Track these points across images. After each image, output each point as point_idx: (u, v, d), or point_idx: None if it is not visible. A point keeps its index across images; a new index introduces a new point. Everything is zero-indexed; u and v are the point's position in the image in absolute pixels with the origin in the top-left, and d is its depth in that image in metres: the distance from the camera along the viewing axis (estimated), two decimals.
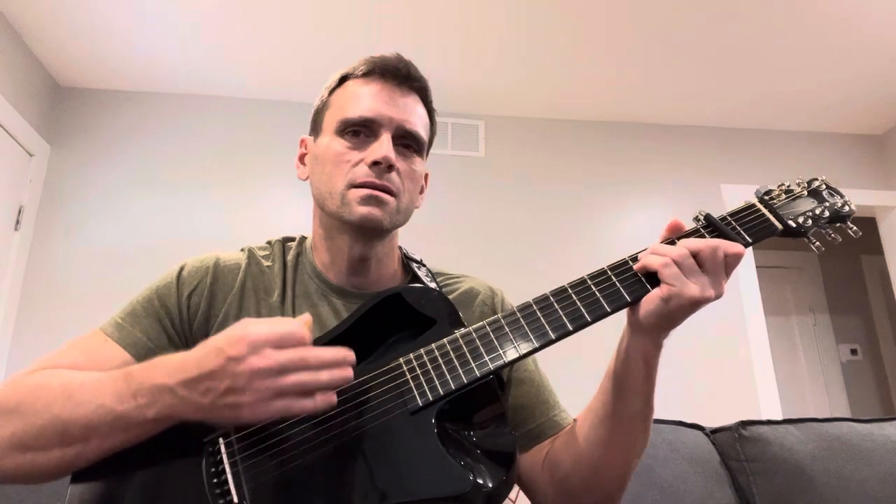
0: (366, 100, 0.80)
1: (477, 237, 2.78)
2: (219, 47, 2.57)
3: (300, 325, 0.60)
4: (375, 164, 0.77)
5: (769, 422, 1.24)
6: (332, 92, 0.86)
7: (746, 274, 2.86)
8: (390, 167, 0.77)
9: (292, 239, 0.91)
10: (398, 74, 0.82)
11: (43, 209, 2.61)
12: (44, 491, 0.94)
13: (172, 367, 0.60)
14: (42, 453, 0.62)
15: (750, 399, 2.67)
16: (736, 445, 1.21)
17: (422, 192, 0.90)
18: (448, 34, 2.49)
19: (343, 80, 0.85)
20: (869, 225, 3.18)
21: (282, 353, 0.57)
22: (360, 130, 0.80)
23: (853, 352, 3.81)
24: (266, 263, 0.85)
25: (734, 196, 2.99)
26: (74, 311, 2.46)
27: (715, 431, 1.27)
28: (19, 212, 2.53)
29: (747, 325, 2.78)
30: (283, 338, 0.58)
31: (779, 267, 3.84)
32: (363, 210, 0.76)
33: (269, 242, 0.90)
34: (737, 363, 2.72)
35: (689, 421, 1.27)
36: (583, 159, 3.04)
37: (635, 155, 3.06)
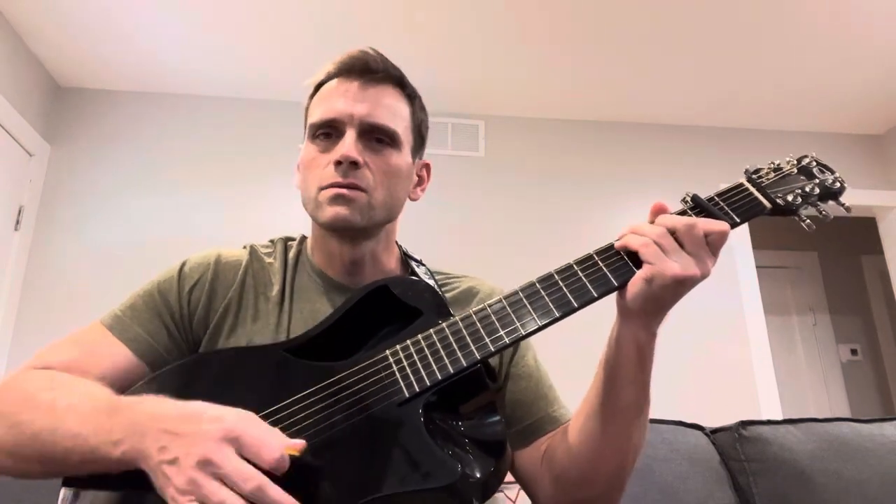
0: (330, 101, 0.81)
1: (476, 237, 2.78)
2: (218, 47, 2.57)
3: (283, 450, 0.55)
4: (339, 163, 0.77)
5: (769, 422, 1.23)
6: (310, 99, 0.86)
7: (746, 274, 2.86)
8: (354, 164, 0.77)
9: (293, 238, 0.91)
10: (356, 69, 0.81)
11: (43, 209, 2.61)
12: (43, 491, 0.94)
13: (159, 409, 0.58)
14: (22, 462, 0.64)
15: (750, 399, 2.67)
16: (736, 445, 1.21)
17: (421, 184, 0.90)
18: (448, 35, 2.49)
19: (318, 87, 0.86)
20: (869, 225, 3.18)
21: (237, 462, 0.53)
22: (329, 132, 0.80)
23: (853, 352, 3.81)
24: (268, 260, 0.86)
25: None
26: (74, 311, 2.46)
27: (715, 431, 1.26)
28: (19, 212, 2.53)
29: (747, 325, 2.78)
30: (257, 447, 0.54)
31: (779, 267, 3.84)
32: (332, 211, 0.77)
33: (271, 241, 0.91)
34: (737, 363, 2.72)
35: (689, 421, 1.26)
36: (583, 159, 3.04)
37: (635, 155, 3.06)
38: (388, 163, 0.80)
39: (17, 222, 2.51)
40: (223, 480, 0.52)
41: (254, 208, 2.73)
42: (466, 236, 2.77)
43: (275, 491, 0.53)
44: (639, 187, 3.01)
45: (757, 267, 2.92)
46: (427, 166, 0.91)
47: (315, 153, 0.81)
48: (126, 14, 2.36)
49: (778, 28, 2.45)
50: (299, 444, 0.57)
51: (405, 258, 0.91)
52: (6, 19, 2.38)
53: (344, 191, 0.76)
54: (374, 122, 0.79)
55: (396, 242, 0.91)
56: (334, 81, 0.82)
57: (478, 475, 0.61)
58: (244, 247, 0.88)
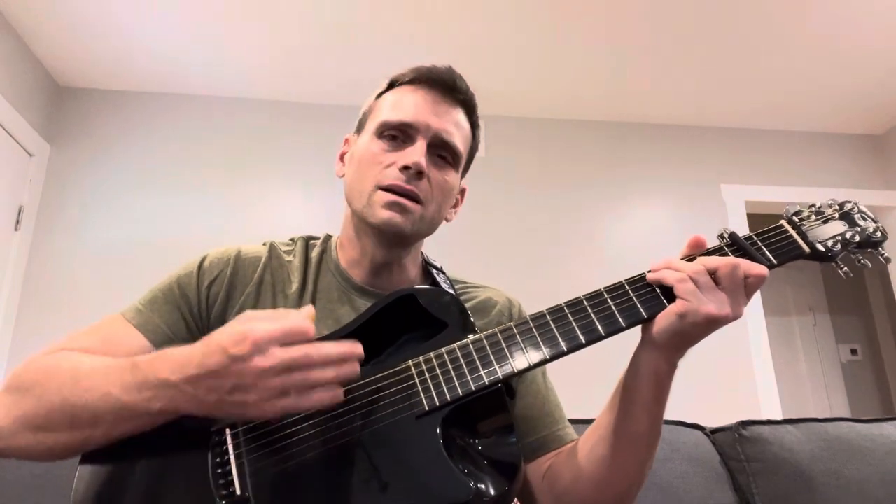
0: (407, 105, 0.82)
1: (477, 237, 2.78)
2: (219, 47, 2.57)
3: (303, 318, 0.59)
4: (406, 168, 0.77)
5: (769, 422, 1.23)
6: (379, 95, 0.87)
7: None
8: (420, 174, 0.77)
9: (315, 238, 0.91)
10: (443, 84, 0.83)
11: (43, 209, 2.61)
12: (44, 490, 0.94)
13: (176, 362, 0.59)
14: (51, 434, 0.63)
15: (750, 399, 2.67)
16: (736, 445, 1.21)
17: (456, 205, 0.91)
18: (447, 35, 2.49)
19: (391, 85, 0.86)
20: None
21: (287, 351, 0.56)
22: (397, 134, 0.81)
23: (853, 352, 3.81)
24: (287, 258, 0.86)
25: (734, 196, 3.00)
26: (74, 311, 2.46)
27: (715, 431, 1.27)
28: (19, 212, 2.53)
29: (747, 325, 2.78)
30: (288, 334, 0.57)
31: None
32: (385, 214, 0.77)
33: (292, 239, 0.91)
34: (737, 363, 2.72)
35: (689, 421, 1.26)
36: (583, 159, 3.04)
37: (635, 155, 3.07)
38: (446, 180, 0.82)
39: (17, 222, 2.51)
40: (292, 370, 0.56)
41: (254, 209, 2.73)
42: (466, 236, 2.77)
43: (332, 346, 0.59)
44: (639, 187, 3.02)
45: None
46: (464, 190, 0.93)
47: (379, 150, 0.80)
48: (126, 14, 2.36)
49: (778, 28, 2.45)
50: (308, 310, 0.61)
51: (426, 265, 0.91)
52: (6, 19, 2.38)
53: (404, 200, 0.77)
54: (446, 140, 0.81)
55: (421, 251, 0.92)
56: (415, 87, 0.83)
57: (491, 493, 0.60)
58: (264, 243, 0.88)
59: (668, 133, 3.12)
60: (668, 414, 1.20)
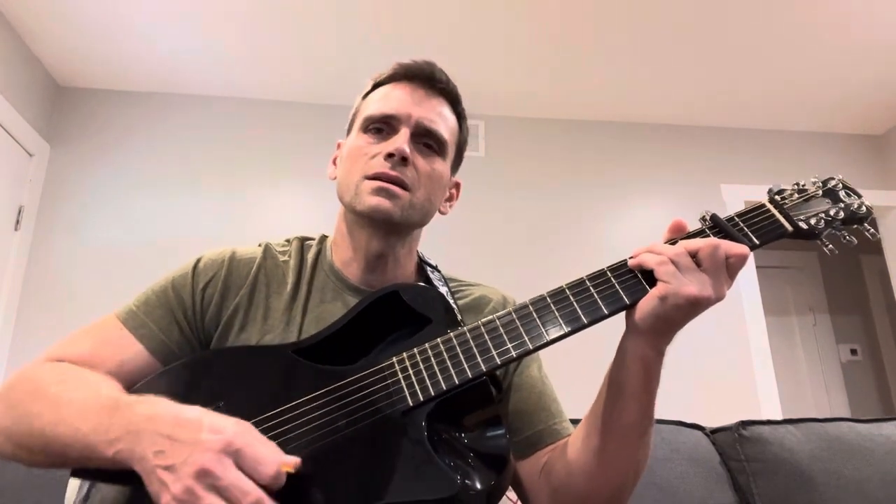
0: (389, 100, 0.84)
1: (476, 237, 2.78)
2: (219, 47, 2.57)
3: (280, 466, 0.56)
4: (390, 156, 0.79)
5: (769, 422, 1.24)
6: (364, 97, 0.89)
7: (746, 274, 2.86)
8: (404, 160, 0.79)
9: (311, 238, 0.92)
10: (422, 76, 0.85)
11: (43, 209, 2.61)
12: (44, 490, 0.94)
13: (156, 411, 0.58)
14: (29, 453, 0.65)
15: (750, 399, 2.67)
16: (736, 445, 1.21)
17: (451, 199, 0.92)
18: (447, 35, 2.49)
19: (375, 85, 0.88)
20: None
21: (237, 475, 0.53)
22: (381, 127, 0.83)
23: (853, 352, 3.81)
24: (282, 258, 0.86)
25: (734, 196, 3.00)
26: (74, 311, 2.46)
27: (715, 431, 1.27)
28: (19, 212, 2.53)
29: (747, 325, 2.78)
30: (255, 462, 0.54)
31: (779, 267, 3.84)
32: (373, 201, 0.78)
33: (287, 240, 0.91)
34: (737, 363, 2.72)
35: (689, 421, 1.27)
36: (583, 159, 3.04)
37: (635, 155, 3.06)
38: (433, 167, 0.83)
39: (17, 222, 2.51)
40: (221, 493, 0.52)
41: (254, 209, 2.73)
42: (466, 236, 2.77)
43: None
44: (639, 187, 3.01)
45: (757, 267, 2.92)
46: (458, 185, 0.95)
47: (365, 143, 0.82)
48: (127, 14, 2.36)
49: (778, 28, 2.45)
50: (294, 461, 0.58)
51: (421, 263, 0.91)
52: (6, 19, 2.38)
53: (389, 185, 0.78)
54: (428, 127, 0.83)
55: (417, 250, 0.92)
56: (396, 83, 0.86)
57: (478, 487, 0.60)
58: (259, 244, 0.88)
59: (667, 133, 3.12)
60: (668, 414, 1.21)
